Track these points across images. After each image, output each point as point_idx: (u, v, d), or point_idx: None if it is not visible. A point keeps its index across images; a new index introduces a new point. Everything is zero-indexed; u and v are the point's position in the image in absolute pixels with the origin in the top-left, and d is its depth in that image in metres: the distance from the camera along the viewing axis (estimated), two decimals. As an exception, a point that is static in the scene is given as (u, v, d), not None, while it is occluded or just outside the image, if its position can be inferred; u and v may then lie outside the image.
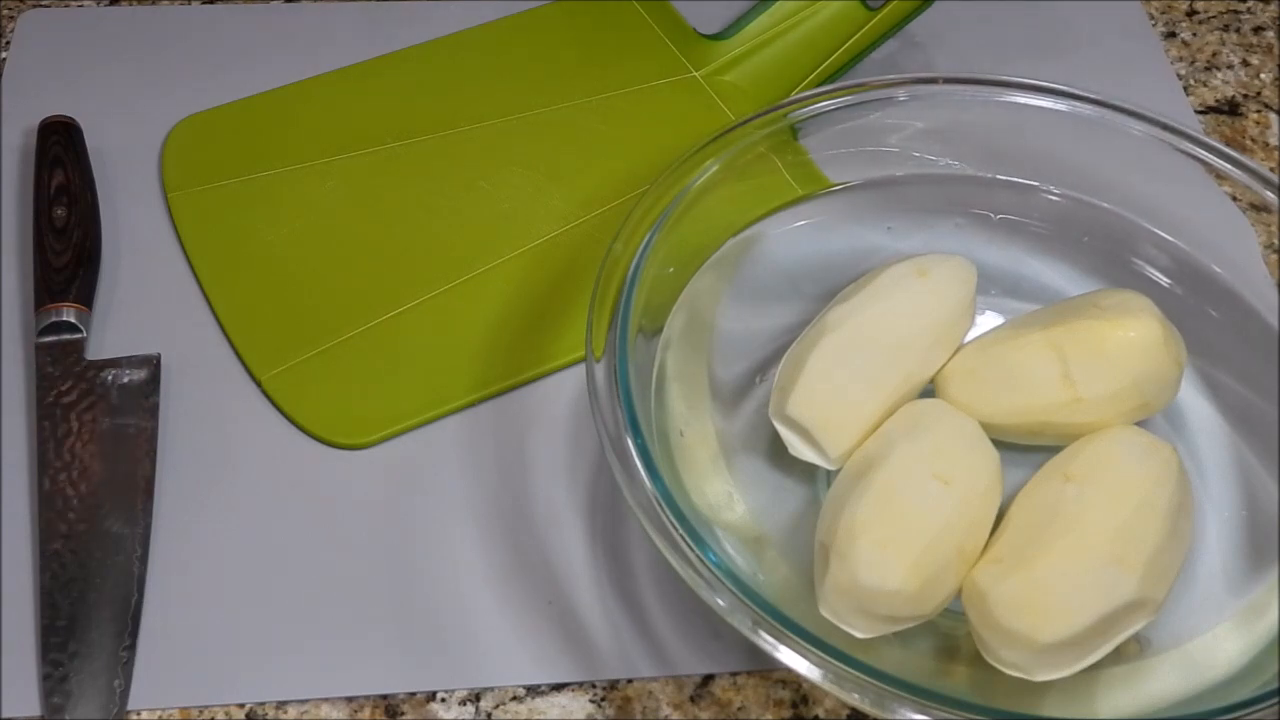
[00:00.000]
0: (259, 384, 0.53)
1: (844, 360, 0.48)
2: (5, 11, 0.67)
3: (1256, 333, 0.52)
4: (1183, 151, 0.52)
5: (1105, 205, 0.55)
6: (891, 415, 0.48)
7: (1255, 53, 0.69)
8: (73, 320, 0.54)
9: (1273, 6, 0.71)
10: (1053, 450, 0.48)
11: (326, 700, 0.46)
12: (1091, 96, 0.53)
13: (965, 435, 0.47)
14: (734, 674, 0.47)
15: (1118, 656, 0.44)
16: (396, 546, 0.50)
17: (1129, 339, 0.48)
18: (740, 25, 0.64)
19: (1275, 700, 0.39)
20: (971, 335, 0.51)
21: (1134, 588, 0.42)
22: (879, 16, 0.62)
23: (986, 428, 0.47)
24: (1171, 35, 0.70)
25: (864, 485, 0.44)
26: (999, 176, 0.56)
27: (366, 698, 0.46)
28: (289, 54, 0.65)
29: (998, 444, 0.47)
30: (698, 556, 0.41)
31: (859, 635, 0.43)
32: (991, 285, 0.54)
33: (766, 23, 0.63)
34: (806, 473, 0.49)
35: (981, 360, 0.49)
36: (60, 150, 0.58)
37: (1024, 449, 0.49)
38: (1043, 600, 0.42)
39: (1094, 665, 0.43)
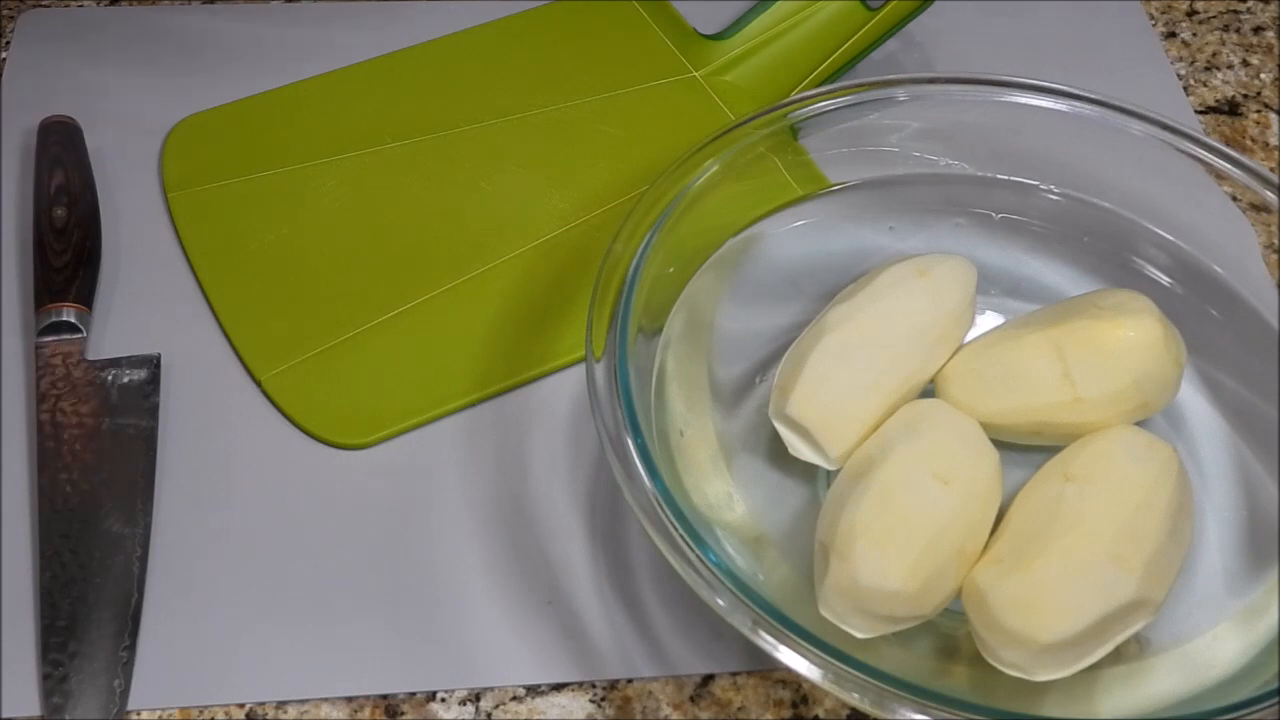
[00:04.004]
0: (259, 384, 0.53)
1: (844, 360, 0.48)
2: (5, 11, 0.67)
3: (1256, 333, 0.52)
4: (1183, 151, 0.52)
5: (1105, 205, 0.55)
6: (891, 415, 0.48)
7: (1255, 53, 0.69)
8: (73, 320, 0.54)
9: (1273, 6, 0.71)
10: (1053, 450, 0.48)
11: (326, 700, 0.46)
12: (1091, 96, 0.53)
13: (965, 435, 0.47)
14: (734, 674, 0.47)
15: (1118, 656, 0.44)
16: (396, 547, 0.50)
17: (1129, 339, 0.48)
18: (740, 25, 0.64)
19: (1275, 700, 0.39)
20: (971, 335, 0.51)
21: (1134, 587, 0.42)
22: (879, 16, 0.62)
23: (986, 428, 0.47)
24: (1171, 35, 0.70)
25: (864, 485, 0.44)
26: (999, 176, 0.56)
27: (366, 698, 0.46)
28: (289, 54, 0.65)
29: (998, 444, 0.47)
30: (698, 556, 0.41)
31: (859, 635, 0.43)
32: (991, 285, 0.54)
33: (767, 22, 0.63)
34: (806, 473, 0.49)
35: (981, 360, 0.49)
36: (60, 150, 0.58)
37: (1024, 449, 0.49)
38: (1043, 600, 0.42)
39: (1094, 665, 0.43)
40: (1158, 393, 0.48)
